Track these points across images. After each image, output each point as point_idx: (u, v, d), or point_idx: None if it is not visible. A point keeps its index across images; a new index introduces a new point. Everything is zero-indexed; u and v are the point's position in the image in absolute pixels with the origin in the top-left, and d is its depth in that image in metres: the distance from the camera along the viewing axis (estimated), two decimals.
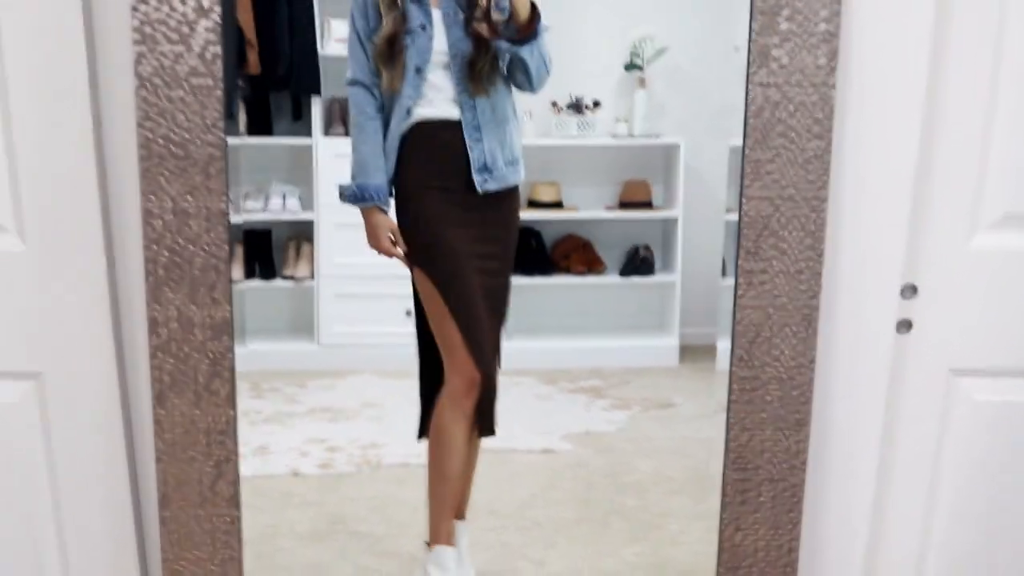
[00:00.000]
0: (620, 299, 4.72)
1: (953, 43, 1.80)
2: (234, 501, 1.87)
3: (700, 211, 4.49)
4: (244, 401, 3.97)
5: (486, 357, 2.52)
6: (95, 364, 1.89)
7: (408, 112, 2.40)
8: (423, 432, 2.64)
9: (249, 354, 4.36)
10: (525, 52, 2.39)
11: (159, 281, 1.79)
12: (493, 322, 2.57)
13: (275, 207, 4.38)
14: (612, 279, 4.56)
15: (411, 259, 2.51)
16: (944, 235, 1.89)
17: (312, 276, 4.36)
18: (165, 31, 1.73)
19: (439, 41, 2.41)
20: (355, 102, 2.45)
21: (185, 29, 1.73)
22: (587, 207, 4.59)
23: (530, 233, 4.48)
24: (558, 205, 4.52)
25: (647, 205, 4.55)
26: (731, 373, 1.86)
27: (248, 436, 3.58)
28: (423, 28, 2.38)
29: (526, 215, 4.36)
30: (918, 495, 2.03)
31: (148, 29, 1.73)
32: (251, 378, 4.21)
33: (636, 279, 4.56)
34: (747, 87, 1.76)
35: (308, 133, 4.27)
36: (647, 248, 4.60)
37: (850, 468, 1.98)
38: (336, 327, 4.39)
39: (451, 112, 2.42)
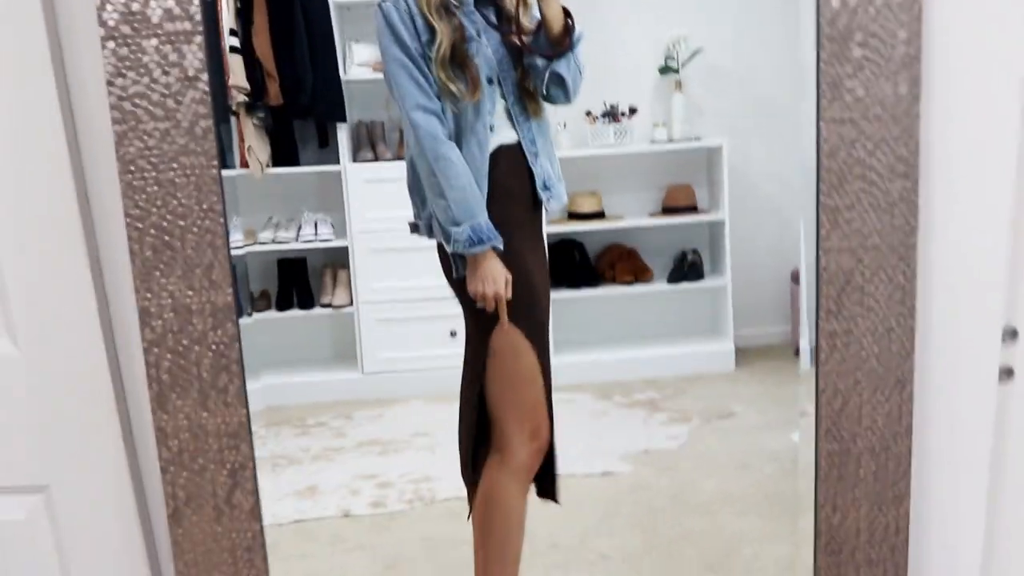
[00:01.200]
0: (670, 306, 4.59)
1: None
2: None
3: (747, 210, 4.34)
4: (290, 440, 3.90)
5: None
6: (106, 475, 1.67)
7: (492, 130, 2.09)
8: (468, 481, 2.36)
9: (292, 386, 4.23)
10: (562, 67, 2.12)
11: (164, 387, 1.56)
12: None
13: (307, 235, 4.24)
14: (660, 286, 4.43)
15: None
16: None
17: (351, 303, 4.25)
18: (147, 106, 1.49)
19: (495, 51, 2.14)
20: (427, 131, 2.04)
21: (170, 103, 1.49)
22: (630, 215, 4.46)
23: (572, 245, 4.34)
24: (600, 215, 4.36)
25: (692, 209, 4.36)
26: (817, 448, 1.59)
27: (296, 476, 3.48)
28: (479, 35, 2.10)
29: (567, 227, 4.23)
30: None
31: (128, 105, 1.49)
32: (296, 412, 4.09)
33: (685, 285, 4.40)
34: (818, 125, 1.49)
35: (336, 160, 4.18)
36: (695, 252, 4.42)
37: (954, 542, 1.72)
38: (380, 353, 4.27)
39: (510, 133, 2.13)
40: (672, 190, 4.36)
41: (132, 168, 1.51)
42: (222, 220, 1.53)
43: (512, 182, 2.13)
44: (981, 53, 1.49)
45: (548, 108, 2.20)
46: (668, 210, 4.37)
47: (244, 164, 4.05)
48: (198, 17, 1.47)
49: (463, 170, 2.04)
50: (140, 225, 1.52)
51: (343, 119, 4.06)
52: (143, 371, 1.59)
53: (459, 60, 2.03)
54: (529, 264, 2.15)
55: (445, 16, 2.03)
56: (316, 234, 4.23)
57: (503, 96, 2.10)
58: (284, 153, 4.14)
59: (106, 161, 1.57)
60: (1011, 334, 1.63)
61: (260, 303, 4.33)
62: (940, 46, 1.48)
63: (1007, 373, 1.66)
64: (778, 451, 3.38)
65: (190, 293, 1.54)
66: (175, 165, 1.51)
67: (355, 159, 4.15)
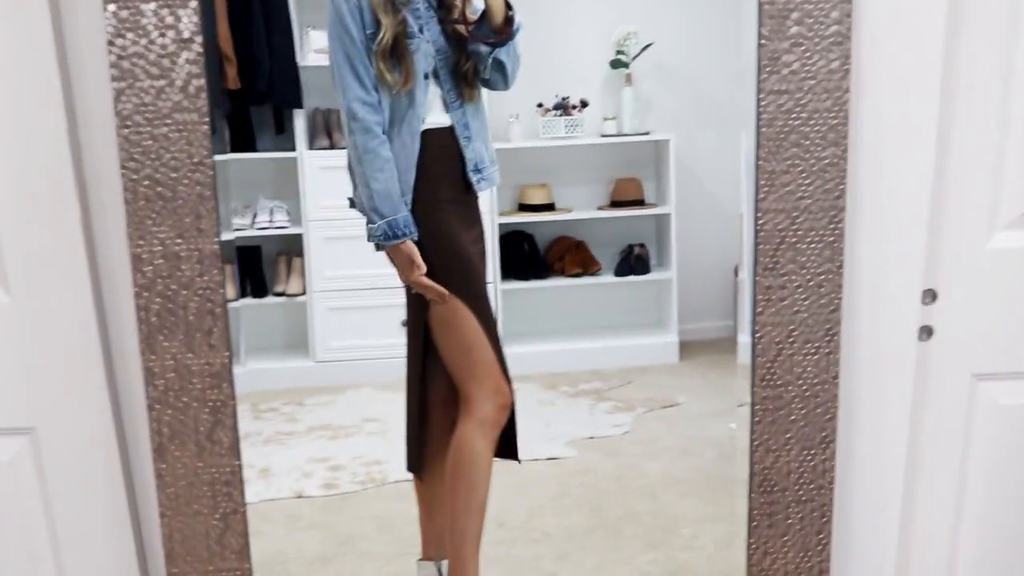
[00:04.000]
0: (617, 298, 4.70)
1: (966, 41, 1.71)
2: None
3: (693, 206, 4.47)
4: (244, 423, 3.94)
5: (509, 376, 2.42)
6: (90, 417, 1.79)
7: (423, 120, 2.28)
8: (414, 466, 2.50)
9: (245, 374, 4.28)
10: (503, 54, 2.29)
11: (152, 329, 1.70)
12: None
13: (263, 223, 4.30)
14: (608, 279, 4.54)
15: (445, 279, 2.35)
16: (962, 237, 1.81)
17: (304, 291, 4.31)
18: (144, 65, 1.63)
19: (436, 43, 2.30)
20: (361, 124, 2.21)
21: (166, 62, 1.63)
22: (579, 207, 4.55)
23: (522, 236, 4.46)
24: (550, 207, 4.47)
25: (639, 203, 4.50)
26: (753, 393, 1.77)
27: (250, 458, 3.54)
28: (421, 31, 2.27)
29: (517, 219, 4.35)
30: (945, 503, 1.95)
31: (127, 64, 1.63)
32: (249, 399, 4.13)
33: (632, 278, 4.53)
34: (758, 96, 1.67)
35: (292, 147, 4.23)
36: (642, 246, 4.57)
37: (876, 482, 1.90)
38: (331, 342, 4.33)
39: (443, 117, 2.31)
40: (620, 183, 4.49)
41: (129, 123, 1.64)
42: (211, 173, 1.67)
43: (443, 165, 2.30)
44: (904, 32, 1.68)
45: (485, 94, 2.37)
46: (617, 203, 4.50)
47: None
48: None
49: (388, 166, 2.24)
50: (135, 176, 1.65)
51: (299, 105, 4.13)
52: (131, 315, 1.72)
53: (398, 53, 2.20)
54: (463, 241, 2.34)
55: (391, 11, 2.19)
56: (271, 221, 4.29)
57: (439, 84, 2.27)
58: (241, 139, 4.19)
59: (101, 116, 1.70)
60: (932, 294, 1.82)
61: None
62: (868, 26, 1.67)
63: (927, 332, 1.84)
64: (719, 438, 3.52)
65: (179, 241, 1.68)
66: (168, 121, 1.65)
67: (311, 146, 4.22)
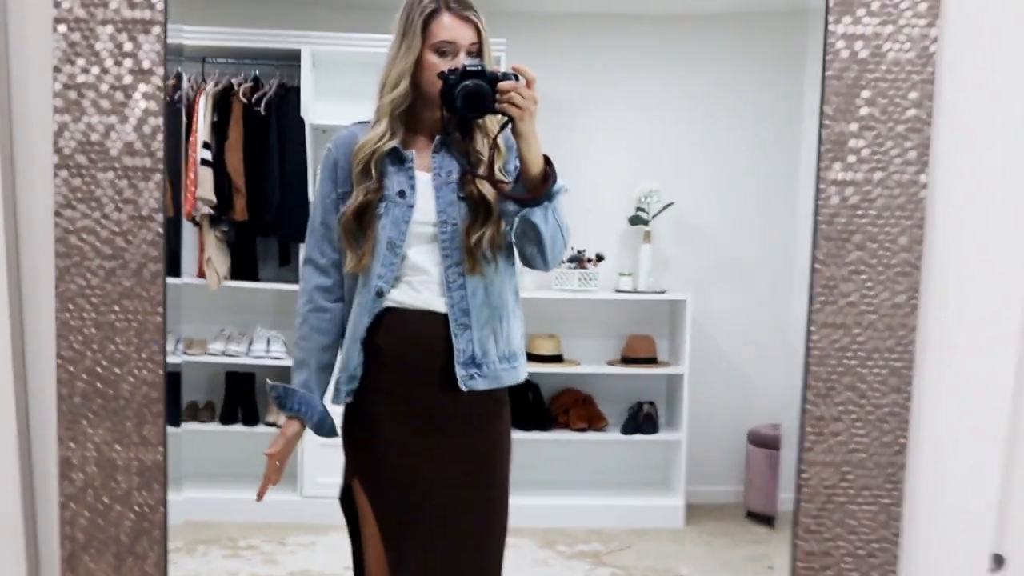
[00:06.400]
0: (622, 456, 4.44)
1: None
2: None
3: (707, 366, 4.23)
4: (218, 562, 3.68)
5: None
6: None
7: (378, 295, 1.89)
8: None
9: (228, 503, 4.03)
10: (537, 217, 1.82)
11: (77, 548, 1.39)
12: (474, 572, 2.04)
13: (258, 351, 4.08)
14: (614, 436, 4.27)
15: (354, 468, 2.00)
16: None
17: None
18: (96, 243, 1.36)
19: (424, 211, 1.89)
20: (304, 287, 1.96)
21: (120, 241, 1.37)
22: (588, 361, 4.32)
23: (527, 386, 4.17)
24: (558, 359, 4.22)
25: (652, 361, 4.25)
26: None
27: None
28: (402, 195, 1.92)
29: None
30: None
31: (74, 239, 1.36)
32: (228, 530, 3.87)
33: (639, 437, 4.25)
34: (808, 328, 1.38)
35: (295, 279, 4.02)
36: (651, 404, 4.29)
37: None
38: (320, 478, 4.06)
39: (434, 301, 1.88)
40: (633, 340, 4.26)
41: (71, 306, 1.37)
42: (161, 372, 1.39)
43: (412, 350, 1.90)
44: (984, 268, 1.40)
45: (500, 271, 1.99)
46: (628, 360, 4.26)
47: (201, 274, 3.93)
48: (158, 153, 1.36)
49: (313, 339, 1.93)
50: (71, 369, 1.37)
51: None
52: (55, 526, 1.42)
53: (362, 224, 1.89)
54: (396, 441, 1.89)
55: (365, 174, 1.89)
56: (268, 351, 4.09)
57: (439, 253, 1.92)
58: (243, 266, 4.03)
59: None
60: (997, 561, 1.51)
61: (204, 414, 4.16)
62: (941, 255, 1.39)
63: None
64: None
65: (118, 447, 1.39)
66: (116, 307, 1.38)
67: None
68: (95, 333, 1.38)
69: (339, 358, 1.95)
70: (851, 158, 1.38)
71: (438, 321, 1.88)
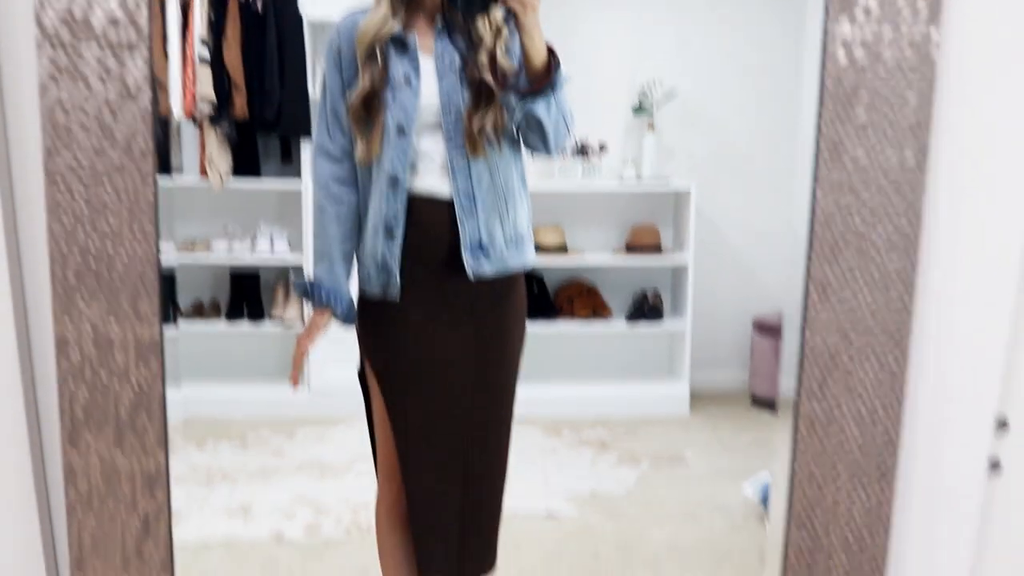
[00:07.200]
0: (627, 345, 4.48)
1: None
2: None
3: (711, 255, 4.26)
4: (227, 455, 3.71)
5: (435, 502, 2.01)
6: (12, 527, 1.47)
7: (395, 182, 1.84)
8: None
9: (236, 399, 4.06)
10: (540, 108, 1.82)
11: (77, 424, 1.38)
12: (479, 456, 2.03)
13: (263, 249, 4.08)
14: (618, 325, 4.30)
15: (367, 353, 1.99)
16: None
17: (302, 319, 4.06)
18: (83, 119, 1.32)
19: (429, 96, 1.85)
20: (317, 177, 1.93)
21: (107, 117, 1.32)
22: (592, 251, 4.33)
23: (532, 278, 4.21)
24: (562, 249, 4.22)
25: (656, 250, 4.23)
26: (787, 539, 1.44)
27: (231, 494, 3.30)
28: (408, 82, 1.87)
29: None
30: None
31: (61, 117, 1.32)
32: (237, 426, 3.91)
33: (644, 325, 4.27)
34: (813, 190, 1.34)
35: (297, 175, 4.02)
36: (656, 294, 4.29)
37: None
38: (328, 372, 4.09)
39: (442, 187, 1.87)
40: (637, 229, 4.23)
41: (59, 182, 1.33)
42: (155, 252, 1.36)
43: (428, 240, 1.90)
44: (997, 125, 1.35)
45: (505, 156, 1.90)
46: (632, 249, 4.23)
47: (204, 173, 3.90)
48: (143, 25, 1.31)
49: (332, 229, 1.92)
50: (64, 246, 1.35)
51: (308, 134, 3.90)
52: (54, 405, 1.41)
53: (371, 111, 1.84)
54: (412, 332, 1.91)
55: (370, 60, 1.84)
56: (271, 249, 4.08)
57: (444, 138, 1.87)
58: (245, 164, 3.99)
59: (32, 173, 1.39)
60: (1002, 424, 1.49)
61: (209, 313, 4.16)
62: (950, 115, 1.34)
63: (994, 466, 1.52)
64: (727, 503, 3.24)
65: (113, 324, 1.37)
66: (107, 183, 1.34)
67: None
68: (86, 210, 1.34)
69: (362, 248, 1.93)
70: (859, 14, 1.32)
71: (446, 207, 1.87)
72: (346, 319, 1.95)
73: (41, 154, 1.35)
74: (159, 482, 1.43)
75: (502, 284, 1.94)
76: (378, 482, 2.08)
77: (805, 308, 1.38)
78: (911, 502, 1.50)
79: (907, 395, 1.41)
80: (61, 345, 1.38)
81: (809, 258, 1.36)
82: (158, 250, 1.36)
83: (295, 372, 2.00)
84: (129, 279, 1.36)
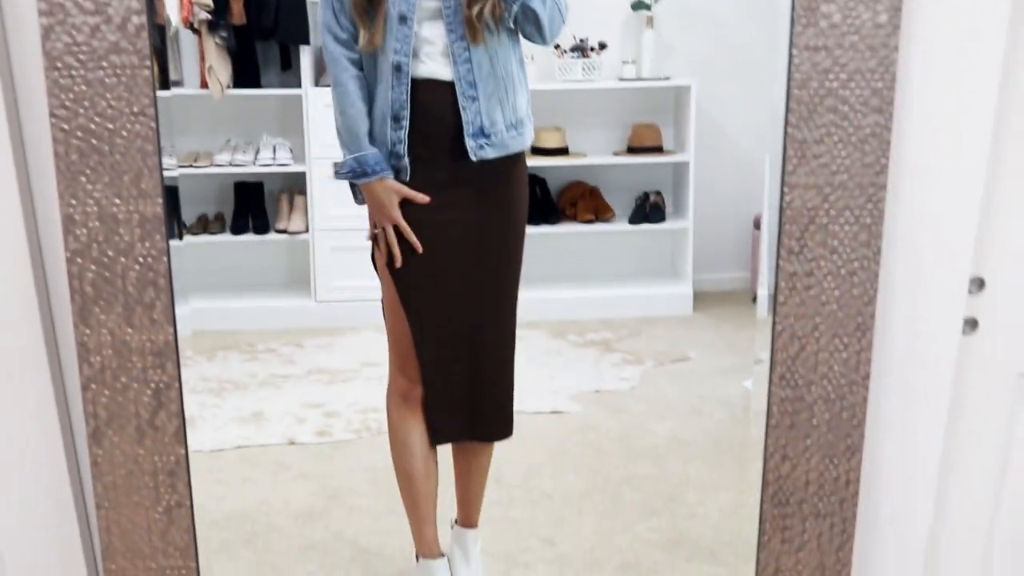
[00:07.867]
0: (630, 247, 4.51)
1: None
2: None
3: (713, 154, 4.24)
4: (237, 365, 3.79)
5: (441, 381, 2.11)
6: (28, 396, 1.54)
7: (398, 69, 1.91)
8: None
9: (244, 311, 4.12)
10: (536, 1, 1.91)
11: (87, 300, 1.45)
12: (488, 329, 2.12)
13: (265, 159, 4.11)
14: (621, 226, 4.34)
15: (376, 238, 2.05)
16: (1018, 221, 1.52)
17: (307, 229, 4.13)
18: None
19: None
20: (331, 55, 1.98)
21: None
22: (594, 153, 4.34)
23: (534, 180, 4.21)
24: (563, 151, 4.23)
25: (657, 150, 4.24)
26: (770, 394, 1.50)
27: (242, 402, 3.39)
28: None
29: (529, 162, 4.11)
30: (980, 521, 1.69)
31: None
32: (246, 337, 3.98)
33: (647, 226, 4.31)
34: (790, 52, 1.38)
35: (298, 84, 4.02)
36: (658, 194, 4.32)
37: (905, 495, 1.63)
38: (334, 282, 4.16)
39: (443, 73, 1.94)
40: (638, 129, 4.24)
41: (59, 65, 1.38)
42: (153, 125, 1.41)
43: (432, 125, 1.97)
44: None
45: (504, 43, 1.96)
46: (633, 149, 4.25)
47: (204, 84, 3.92)
48: None
49: (355, 100, 1.97)
50: (66, 127, 1.39)
51: (306, 41, 3.90)
52: (64, 283, 1.47)
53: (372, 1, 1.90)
54: (429, 213, 1.99)
55: None
56: (275, 158, 4.11)
57: (444, 26, 1.93)
58: (246, 74, 4.00)
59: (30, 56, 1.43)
60: (978, 284, 1.54)
61: (214, 226, 4.21)
62: None
63: (971, 324, 1.57)
64: (730, 398, 3.32)
65: (117, 201, 1.43)
66: (104, 64, 1.39)
67: (317, 83, 3.99)
68: (85, 90, 1.39)
69: (372, 137, 1.99)
70: None
71: (449, 92, 1.95)
72: (397, 176, 1.99)
73: (39, 36, 1.39)
74: (168, 355, 1.49)
75: (504, 163, 2.03)
76: (389, 372, 2.17)
77: (783, 167, 1.42)
78: (889, 357, 1.56)
79: (883, 252, 1.46)
80: (68, 224, 1.43)
81: (787, 119, 1.41)
82: (158, 128, 1.41)
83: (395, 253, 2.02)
84: (131, 156, 1.41)
